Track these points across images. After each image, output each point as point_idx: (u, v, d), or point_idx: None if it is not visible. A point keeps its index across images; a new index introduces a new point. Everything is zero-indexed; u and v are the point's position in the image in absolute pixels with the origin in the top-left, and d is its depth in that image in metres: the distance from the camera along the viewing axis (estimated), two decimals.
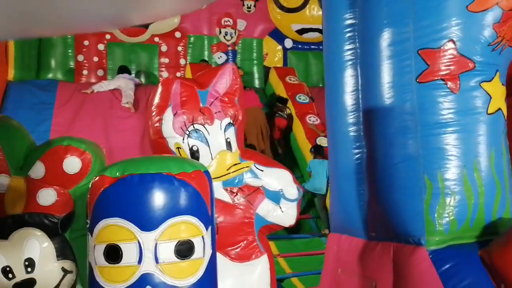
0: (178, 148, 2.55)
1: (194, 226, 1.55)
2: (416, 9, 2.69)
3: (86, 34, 8.94)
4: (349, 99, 3.24)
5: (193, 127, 2.56)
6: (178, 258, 1.50)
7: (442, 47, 2.64)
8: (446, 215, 2.57)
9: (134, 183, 1.49)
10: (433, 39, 2.66)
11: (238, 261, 2.62)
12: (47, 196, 2.18)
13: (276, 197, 2.75)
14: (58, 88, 7.78)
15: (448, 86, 2.63)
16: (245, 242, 2.66)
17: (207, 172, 1.71)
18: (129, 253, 1.46)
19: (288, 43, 9.85)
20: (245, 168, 2.68)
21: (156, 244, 1.48)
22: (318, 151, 6.72)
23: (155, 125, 2.59)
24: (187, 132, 2.55)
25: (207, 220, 1.61)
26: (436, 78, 2.65)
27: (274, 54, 9.87)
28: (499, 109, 2.71)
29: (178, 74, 9.23)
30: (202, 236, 1.58)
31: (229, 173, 2.63)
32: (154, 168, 1.51)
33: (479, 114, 2.66)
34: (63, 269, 2.21)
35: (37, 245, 2.17)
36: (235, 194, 2.65)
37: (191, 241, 1.53)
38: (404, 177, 2.68)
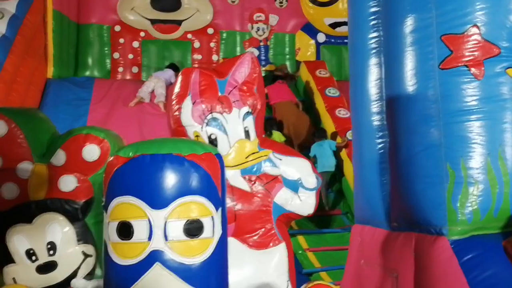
0: (197, 136, 2.58)
1: (203, 206, 1.58)
2: None
3: (121, 32, 9.13)
4: (373, 88, 3.20)
5: (212, 115, 2.58)
6: (187, 236, 1.54)
7: (465, 33, 2.57)
8: (469, 205, 2.50)
9: (145, 163, 1.54)
10: (456, 24, 2.59)
11: (256, 249, 2.62)
12: (68, 183, 2.26)
13: (294, 186, 2.73)
14: (94, 85, 7.99)
15: (472, 72, 2.56)
16: (263, 230, 2.65)
17: (218, 155, 1.74)
18: (140, 230, 1.51)
19: (321, 38, 9.76)
20: (263, 156, 2.67)
21: (166, 222, 1.52)
22: (317, 134, 6.76)
23: (175, 113, 2.63)
24: (206, 121, 2.57)
25: (217, 201, 1.64)
26: (460, 65, 2.58)
27: (306, 48, 9.80)
28: None
29: None
30: (212, 216, 1.61)
31: (247, 162, 2.63)
32: (165, 149, 1.56)
33: (504, 101, 2.57)
34: (83, 253, 2.28)
35: (58, 229, 2.26)
36: (253, 182, 2.65)
37: (200, 220, 1.56)
38: (426, 166, 2.63)
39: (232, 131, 2.60)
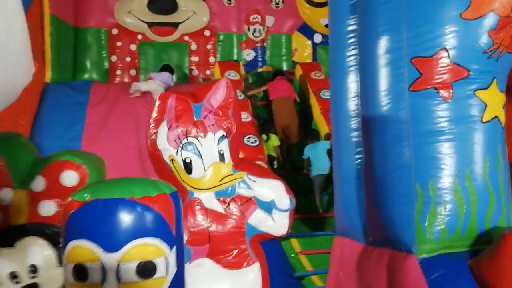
0: (172, 160, 2.67)
1: (156, 247, 1.64)
2: (410, 17, 2.69)
3: (119, 35, 9.21)
4: (351, 105, 3.28)
5: (187, 139, 2.66)
6: (140, 277, 1.60)
7: (435, 56, 2.64)
8: (437, 224, 2.58)
9: (98, 208, 1.61)
10: (426, 47, 2.66)
11: (230, 269, 2.70)
12: (47, 208, 2.35)
13: (268, 207, 2.80)
14: (92, 89, 8.07)
15: (441, 95, 2.63)
16: (237, 250, 2.73)
17: (173, 194, 1.81)
18: (94, 273, 1.58)
19: (318, 38, 9.80)
20: (237, 179, 2.75)
21: (118, 265, 1.58)
22: (310, 136, 6.86)
23: (152, 137, 2.72)
24: (181, 145, 2.65)
25: (171, 241, 1.70)
26: (429, 87, 2.65)
27: (303, 49, 9.85)
28: (496, 117, 2.68)
29: (208, 72, 9.39)
30: (165, 256, 1.67)
31: (221, 184, 2.71)
32: (118, 193, 1.62)
33: (474, 123, 2.64)
34: None
35: (40, 253, 2.35)
36: (227, 204, 2.73)
37: (153, 261, 1.63)
38: (397, 185, 2.70)
39: (207, 154, 2.68)
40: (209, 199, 2.68)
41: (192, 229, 2.66)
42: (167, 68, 8.28)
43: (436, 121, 2.64)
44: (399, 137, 2.72)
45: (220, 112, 2.75)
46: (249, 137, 6.83)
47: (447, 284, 2.45)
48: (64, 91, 8.09)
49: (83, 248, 1.60)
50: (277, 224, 2.80)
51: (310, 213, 6.78)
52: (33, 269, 2.34)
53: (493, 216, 2.61)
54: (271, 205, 2.79)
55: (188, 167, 2.65)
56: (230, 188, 2.75)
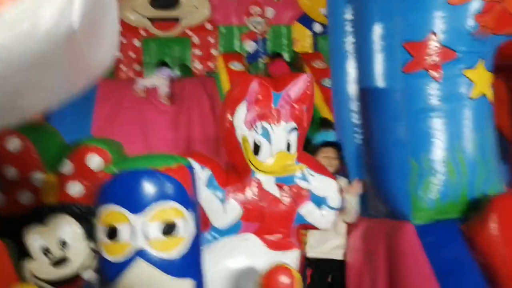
0: (243, 139, 2.77)
1: (176, 210, 1.89)
2: (401, 5, 2.91)
3: (122, 32, 9.41)
4: (351, 88, 3.50)
5: (262, 124, 2.75)
6: (163, 235, 1.85)
7: (425, 39, 2.85)
8: (431, 193, 2.81)
9: (125, 178, 1.87)
10: (416, 32, 2.87)
11: (273, 249, 2.81)
12: (74, 189, 2.58)
13: (319, 201, 2.89)
14: (98, 85, 8.28)
15: (431, 75, 2.85)
16: (282, 233, 2.84)
17: (190, 167, 2.04)
18: (123, 233, 1.84)
19: (318, 28, 9.95)
20: (298, 170, 2.86)
21: (145, 225, 1.84)
22: (325, 123, 7.09)
23: (227, 115, 2.81)
24: (256, 128, 2.75)
25: (189, 205, 1.94)
26: (420, 68, 2.87)
27: (304, 39, 9.99)
28: (483, 94, 2.90)
29: (211, 65, 9.59)
30: (184, 218, 1.91)
31: (283, 171, 2.82)
32: (142, 165, 1.87)
33: (463, 100, 2.86)
34: (92, 249, 2.61)
35: (69, 229, 2.59)
36: (284, 190, 2.83)
37: (174, 222, 1.87)
38: (394, 160, 2.93)
39: (276, 141, 2.78)
40: (268, 182, 2.82)
41: (247, 206, 2.78)
42: (163, 63, 8.49)
43: (428, 99, 2.86)
44: (394, 116, 2.94)
45: (296, 105, 2.83)
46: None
47: (441, 247, 2.68)
48: None
49: (114, 212, 1.86)
50: (324, 218, 2.92)
51: None
52: (63, 244, 2.58)
53: (482, 185, 2.84)
54: (323, 200, 2.90)
55: (257, 149, 2.77)
56: (289, 177, 2.85)
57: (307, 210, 2.88)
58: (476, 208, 2.75)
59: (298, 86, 2.82)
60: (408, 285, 2.77)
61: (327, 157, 3.40)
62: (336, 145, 3.50)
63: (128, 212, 1.84)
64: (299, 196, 2.85)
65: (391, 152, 2.96)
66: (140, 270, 1.85)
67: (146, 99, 7.75)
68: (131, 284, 1.84)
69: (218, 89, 7.94)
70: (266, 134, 2.76)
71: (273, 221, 2.83)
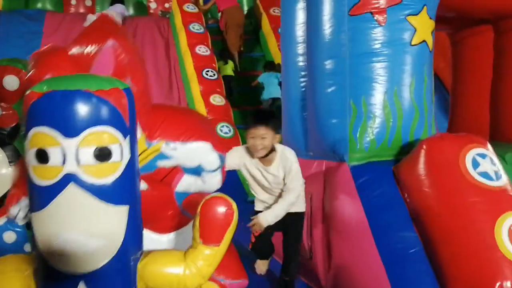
0: None
1: (111, 135, 1.80)
2: None
3: None
4: (298, 31, 3.50)
5: None
6: (97, 161, 1.78)
7: None
8: (367, 136, 2.90)
9: (57, 98, 1.75)
10: None
11: (166, 233, 2.59)
12: None
13: (196, 170, 2.58)
14: (46, 18, 7.94)
15: (376, 18, 2.88)
16: (168, 217, 2.57)
17: (127, 90, 1.95)
18: (54, 156, 1.75)
19: None
20: (154, 153, 2.48)
21: (77, 149, 1.76)
22: (268, 66, 7.40)
23: None
24: None
25: (125, 130, 1.86)
26: (366, 11, 2.89)
27: None
28: (424, 41, 2.97)
29: (166, 5, 9.32)
30: (120, 144, 1.83)
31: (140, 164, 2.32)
32: (74, 86, 1.79)
33: (404, 45, 2.92)
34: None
35: None
36: (149, 180, 2.42)
37: (108, 147, 1.79)
38: (334, 102, 2.99)
39: None
40: None
41: None
42: (118, 0, 8.20)
43: (371, 43, 2.90)
44: (338, 58, 2.98)
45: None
46: (207, 71, 6.99)
47: (372, 186, 2.80)
48: (17, 19, 7.92)
49: (44, 134, 1.75)
50: (208, 183, 2.62)
51: None
52: None
53: (416, 130, 2.95)
54: (198, 168, 2.58)
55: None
56: (148, 164, 2.48)
57: (185, 185, 2.58)
58: (408, 151, 2.86)
59: (104, 60, 2.28)
60: (341, 222, 2.90)
61: (253, 138, 2.78)
62: (265, 121, 2.80)
63: (60, 134, 1.74)
64: (169, 178, 2.53)
65: (332, 94, 3.02)
66: (73, 195, 1.77)
67: None
68: (63, 210, 1.77)
69: (172, 30, 7.77)
70: None
71: (153, 213, 2.49)
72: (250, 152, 2.89)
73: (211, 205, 1.99)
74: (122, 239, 1.83)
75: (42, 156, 1.75)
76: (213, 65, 7.11)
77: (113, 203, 1.82)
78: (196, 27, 7.39)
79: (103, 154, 1.77)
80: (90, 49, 2.16)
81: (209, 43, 7.36)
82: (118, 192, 1.83)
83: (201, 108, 6.62)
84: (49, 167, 1.75)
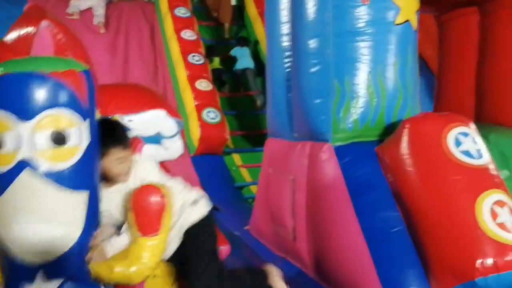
0: None
1: (68, 118, 1.74)
2: None
3: None
4: (283, 11, 3.47)
5: None
6: (54, 145, 1.71)
7: None
8: (350, 116, 2.89)
9: (10, 81, 1.70)
10: None
11: None
12: None
13: (155, 139, 2.58)
14: (28, 2, 7.79)
15: None
16: None
17: (85, 72, 1.85)
18: (8, 141, 1.68)
19: None
20: None
21: (32, 133, 1.68)
22: (241, 41, 7.67)
23: None
24: None
25: (83, 113, 1.79)
26: None
27: None
28: (407, 21, 2.95)
29: None
30: (78, 127, 1.77)
31: None
32: (28, 68, 1.72)
33: (388, 25, 2.90)
34: None
35: None
36: None
37: (66, 131, 1.73)
38: (318, 82, 2.97)
39: None
40: None
41: None
42: None
43: (354, 22, 2.88)
44: (322, 37, 2.95)
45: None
46: (194, 55, 6.92)
47: (356, 165, 2.79)
48: None
49: (1, 118, 1.68)
50: (170, 150, 2.63)
51: (251, 130, 7.10)
52: None
53: (399, 110, 2.94)
54: (157, 137, 2.59)
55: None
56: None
57: (149, 154, 2.54)
58: (392, 132, 2.86)
59: (42, 44, 2.11)
60: (325, 202, 2.90)
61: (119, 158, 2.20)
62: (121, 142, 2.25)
63: (13, 119, 1.67)
64: (132, 145, 2.37)
65: (316, 74, 2.99)
66: (28, 182, 1.69)
67: (80, 21, 7.39)
68: (19, 197, 1.70)
69: (157, 15, 7.68)
70: None
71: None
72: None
73: (141, 196, 1.93)
74: (81, 227, 1.78)
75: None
76: (199, 49, 7.04)
77: (72, 188, 1.74)
78: (182, 11, 7.31)
79: (59, 138, 1.70)
80: (25, 32, 2.04)
81: (195, 27, 7.29)
82: (77, 177, 1.76)
83: (187, 93, 6.57)
84: (2, 154, 1.68)
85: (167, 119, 2.57)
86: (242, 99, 7.57)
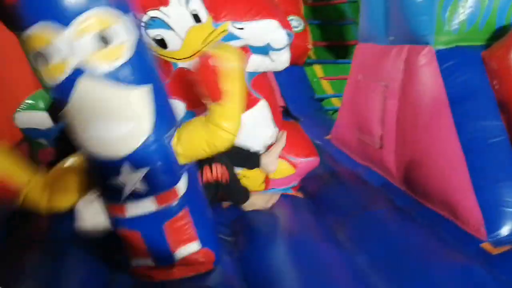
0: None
1: (110, 16, 1.67)
2: None
3: None
4: None
5: (149, 16, 2.20)
6: (100, 46, 1.66)
7: None
8: (457, 16, 2.66)
9: None
10: None
11: None
12: None
13: (264, 49, 2.50)
14: None
15: None
16: None
17: None
18: (55, 52, 1.63)
19: None
20: (221, 33, 2.37)
21: (76, 38, 1.63)
22: None
23: None
24: (143, 24, 2.21)
25: (122, 8, 1.72)
26: None
27: None
28: None
29: None
30: (120, 23, 1.69)
31: (205, 46, 2.34)
32: None
33: None
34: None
35: None
36: None
37: (110, 29, 1.67)
38: None
39: (178, 22, 2.26)
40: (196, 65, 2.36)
41: (189, 97, 2.35)
42: None
43: None
44: None
45: None
46: (291, 19, 6.58)
47: (458, 71, 2.62)
48: None
49: (39, 32, 1.62)
50: (276, 62, 2.55)
51: (335, 41, 6.85)
52: None
53: None
54: (267, 46, 2.49)
55: (161, 44, 2.28)
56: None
57: (254, 65, 2.51)
58: (501, 37, 2.63)
59: None
60: (420, 109, 2.78)
61: None
62: None
63: (51, 28, 1.59)
64: None
65: None
66: (88, 87, 1.67)
67: None
68: (84, 103, 1.69)
69: None
70: (161, 23, 2.22)
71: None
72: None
73: (205, 63, 1.90)
74: (152, 119, 1.80)
75: (44, 55, 1.63)
76: (297, 10, 6.68)
77: (131, 85, 1.74)
78: None
79: (104, 38, 1.65)
80: None
81: None
82: (134, 72, 1.74)
83: None
84: (54, 65, 1.65)
85: (279, 30, 2.45)
86: (327, 8, 7.25)
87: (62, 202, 1.98)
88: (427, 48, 2.73)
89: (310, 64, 6.62)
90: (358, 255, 2.27)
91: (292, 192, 2.86)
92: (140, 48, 1.76)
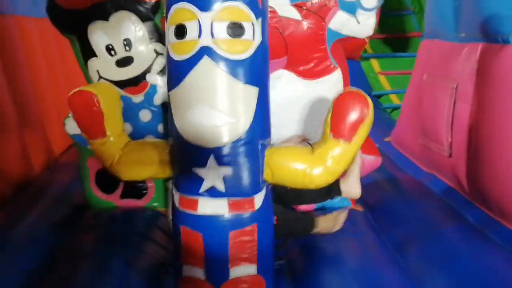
0: None
1: (244, 12, 1.81)
2: None
3: None
4: None
5: None
6: (230, 36, 1.79)
7: None
8: None
9: None
10: None
11: (310, 79, 2.52)
12: None
13: (351, 7, 2.48)
14: None
15: None
16: (317, 59, 2.52)
17: None
18: (191, 30, 1.79)
19: None
20: None
21: (212, 22, 1.78)
22: None
23: None
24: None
25: (258, 11, 1.85)
26: None
27: None
28: None
29: None
30: (252, 23, 1.82)
31: None
32: None
33: None
34: (155, 51, 2.48)
35: (132, 27, 2.45)
36: (304, 9, 2.45)
37: (242, 23, 1.80)
38: None
39: None
40: (282, 7, 2.44)
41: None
42: None
43: None
44: None
45: None
46: None
47: None
48: None
49: (183, 9, 1.80)
50: (362, 25, 2.50)
51: (393, 33, 6.50)
52: (127, 43, 2.46)
53: None
54: (355, 5, 2.47)
55: None
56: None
57: (339, 23, 2.48)
58: None
59: None
60: (499, 115, 2.49)
61: None
62: None
63: (197, 8, 1.78)
64: (324, 9, 2.45)
65: None
66: (206, 68, 1.79)
67: None
68: (197, 83, 1.81)
69: None
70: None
71: (302, 49, 2.49)
72: None
73: (345, 100, 1.87)
74: (250, 121, 1.83)
75: (181, 31, 1.80)
76: None
77: (243, 81, 1.81)
78: None
79: (235, 29, 1.78)
80: None
81: None
82: (248, 71, 1.82)
83: None
84: (186, 41, 1.79)
85: None
86: None
87: (134, 171, 2.05)
88: (506, 48, 2.43)
89: (367, 58, 6.31)
90: (427, 281, 2.05)
91: (351, 206, 2.65)
92: (260, 52, 1.85)
